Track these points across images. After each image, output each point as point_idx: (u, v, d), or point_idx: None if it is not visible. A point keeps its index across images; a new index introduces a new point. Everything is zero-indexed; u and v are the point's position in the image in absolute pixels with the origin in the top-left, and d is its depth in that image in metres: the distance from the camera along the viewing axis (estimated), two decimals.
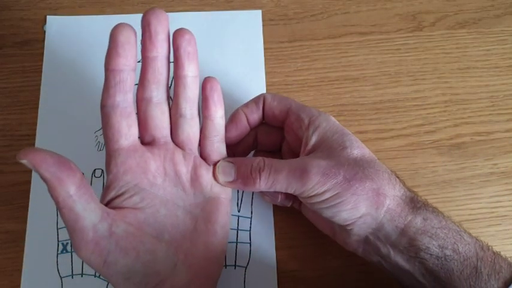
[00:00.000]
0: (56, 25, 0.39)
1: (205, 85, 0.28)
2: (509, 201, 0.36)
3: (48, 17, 0.39)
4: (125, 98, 0.25)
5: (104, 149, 0.35)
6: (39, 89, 0.37)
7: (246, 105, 0.31)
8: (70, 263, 0.33)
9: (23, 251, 0.33)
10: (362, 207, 0.26)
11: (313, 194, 0.26)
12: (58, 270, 0.32)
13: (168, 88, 0.27)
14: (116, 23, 0.24)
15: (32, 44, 0.38)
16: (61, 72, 0.37)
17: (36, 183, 0.34)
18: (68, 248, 0.33)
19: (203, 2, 0.41)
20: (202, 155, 0.29)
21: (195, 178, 0.28)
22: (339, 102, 0.38)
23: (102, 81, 0.25)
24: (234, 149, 0.31)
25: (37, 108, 0.36)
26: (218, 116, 0.28)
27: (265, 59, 0.39)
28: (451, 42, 0.40)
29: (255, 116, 0.31)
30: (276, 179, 0.27)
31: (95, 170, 0.35)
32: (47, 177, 0.22)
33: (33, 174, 0.35)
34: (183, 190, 0.28)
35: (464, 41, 0.41)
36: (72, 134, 0.36)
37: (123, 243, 0.25)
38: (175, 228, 0.27)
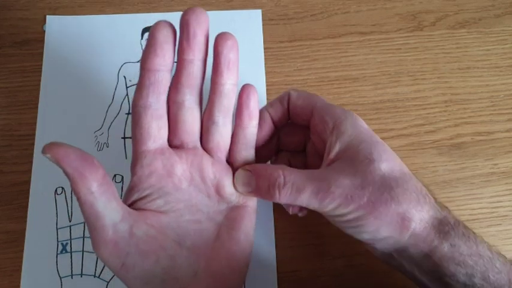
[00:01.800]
0: (56, 25, 0.39)
1: (242, 92, 0.26)
2: (510, 201, 0.36)
3: (48, 17, 0.39)
4: (158, 100, 0.24)
5: (104, 149, 0.36)
6: (38, 89, 0.37)
7: (271, 104, 0.30)
8: (70, 263, 0.33)
9: (22, 251, 0.33)
10: (384, 231, 0.25)
11: (335, 214, 0.25)
12: (58, 270, 0.32)
13: (202, 92, 0.26)
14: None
15: (32, 44, 0.38)
16: (60, 72, 0.37)
17: (36, 183, 0.34)
18: (68, 248, 0.33)
19: (203, 1, 0.41)
20: (229, 160, 0.28)
21: (220, 186, 0.27)
22: (339, 102, 0.38)
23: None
24: (257, 151, 0.29)
25: (36, 108, 0.36)
26: (251, 125, 0.27)
27: (265, 59, 0.39)
28: (451, 42, 0.40)
29: (280, 115, 0.30)
30: (296, 197, 0.26)
31: None
32: (69, 172, 0.21)
33: (33, 174, 0.34)
34: (208, 197, 0.27)
35: (465, 40, 0.40)
36: (72, 134, 0.36)
37: (143, 246, 0.24)
38: (197, 234, 0.26)
